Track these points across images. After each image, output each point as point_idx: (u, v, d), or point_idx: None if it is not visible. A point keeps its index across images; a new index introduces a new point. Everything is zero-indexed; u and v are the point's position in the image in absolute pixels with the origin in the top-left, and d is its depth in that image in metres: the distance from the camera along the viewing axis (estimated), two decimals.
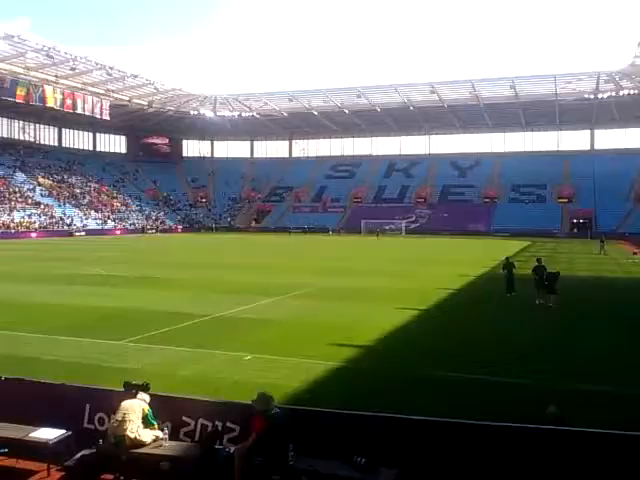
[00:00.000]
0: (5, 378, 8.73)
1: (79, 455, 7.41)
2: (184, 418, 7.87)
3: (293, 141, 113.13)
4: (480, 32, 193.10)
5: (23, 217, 73.89)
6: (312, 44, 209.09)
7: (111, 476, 7.41)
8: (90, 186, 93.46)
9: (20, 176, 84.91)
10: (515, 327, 16.63)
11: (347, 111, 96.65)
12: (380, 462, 6.91)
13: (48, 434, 7.65)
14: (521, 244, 56.91)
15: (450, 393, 10.52)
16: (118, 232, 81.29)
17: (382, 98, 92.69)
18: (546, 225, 78.60)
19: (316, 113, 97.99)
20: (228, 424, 7.58)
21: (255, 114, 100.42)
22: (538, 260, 21.80)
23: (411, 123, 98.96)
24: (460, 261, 38.82)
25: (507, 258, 24.04)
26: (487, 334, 15.54)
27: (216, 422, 7.62)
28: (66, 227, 76.42)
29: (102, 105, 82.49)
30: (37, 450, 7.57)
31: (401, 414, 7.46)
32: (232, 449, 7.13)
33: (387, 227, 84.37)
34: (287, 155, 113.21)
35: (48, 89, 74.65)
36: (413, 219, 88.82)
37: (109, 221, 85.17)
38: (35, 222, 74.33)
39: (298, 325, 16.46)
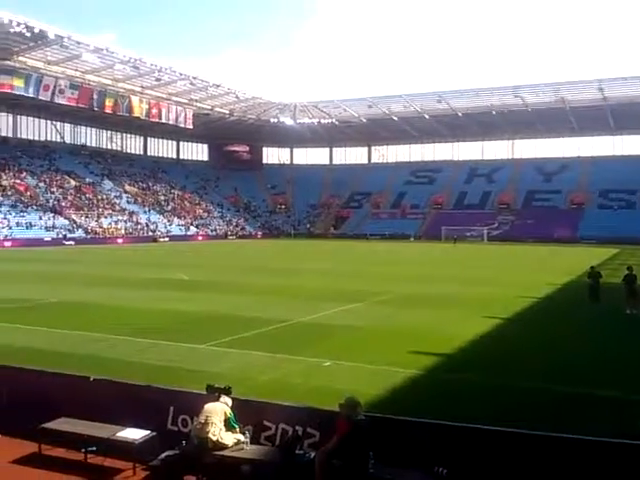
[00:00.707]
0: (94, 379, 9.03)
1: (163, 455, 7.55)
2: (265, 422, 7.91)
3: (372, 147, 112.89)
4: (565, 33, 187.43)
5: (110, 223, 76.91)
6: (391, 50, 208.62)
7: (194, 477, 7.51)
8: (174, 193, 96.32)
9: (108, 184, 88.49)
10: (604, 338, 15.90)
11: (427, 116, 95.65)
12: (462, 474, 6.72)
13: (134, 434, 7.86)
14: (609, 252, 54.53)
15: (537, 406, 10.13)
16: (200, 238, 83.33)
17: (463, 102, 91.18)
18: (636, 232, 74.98)
19: (396, 119, 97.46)
20: (308, 429, 7.56)
21: (334, 121, 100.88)
22: (629, 268, 20.83)
23: (493, 127, 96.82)
24: (544, 269, 37.61)
25: (592, 267, 23.04)
26: (574, 345, 14.93)
27: (296, 427, 7.61)
28: (150, 233, 78.96)
29: (185, 114, 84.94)
30: (123, 449, 7.78)
31: (484, 425, 7.23)
32: (312, 454, 7.10)
33: (468, 234, 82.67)
34: (366, 161, 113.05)
35: (134, 99, 77.54)
36: (495, 226, 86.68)
37: (192, 227, 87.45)
38: (121, 228, 77.20)
39: (378, 332, 16.32)
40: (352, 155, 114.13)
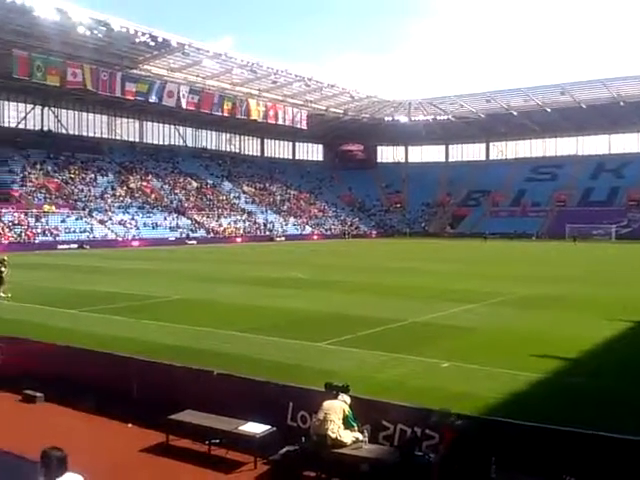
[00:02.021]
0: (217, 373, 9.32)
1: (283, 451, 7.66)
2: (383, 422, 7.84)
3: (490, 143, 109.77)
4: None
5: (229, 223, 79.65)
6: (509, 42, 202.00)
7: (313, 474, 7.56)
8: (289, 193, 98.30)
9: (227, 185, 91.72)
10: None
11: (549, 109, 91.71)
12: None
13: (255, 428, 8.02)
14: None
15: None
16: (315, 237, 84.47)
17: (588, 94, 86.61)
18: None
19: (515, 113, 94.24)
20: (427, 431, 7.41)
21: (450, 117, 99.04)
22: None
23: (622, 119, 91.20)
24: None
25: None
26: None
27: (415, 428, 7.48)
28: (268, 232, 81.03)
29: (301, 115, 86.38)
30: (245, 443, 7.96)
31: (614, 434, 6.80)
32: (431, 456, 6.95)
33: (594, 232, 78.54)
34: (484, 158, 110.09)
35: (252, 102, 79.80)
36: (625, 223, 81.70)
37: (307, 226, 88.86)
38: (240, 227, 79.74)
39: (496, 333, 15.82)
40: (469, 152, 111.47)
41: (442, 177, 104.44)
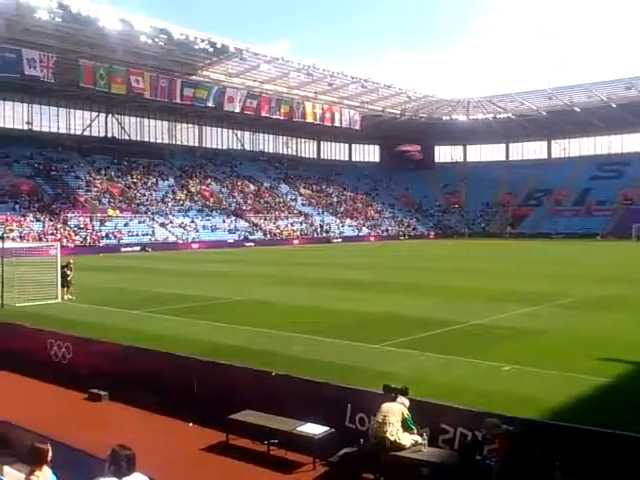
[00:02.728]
0: (275, 374, 9.39)
1: (342, 452, 7.66)
2: (443, 425, 7.77)
3: (552, 141, 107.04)
4: None
5: (287, 225, 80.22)
6: (572, 36, 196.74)
7: (371, 476, 7.53)
8: (346, 195, 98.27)
9: (284, 187, 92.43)
10: None
11: (614, 105, 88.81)
12: None
13: (314, 429, 8.04)
14: None
15: None
16: (372, 238, 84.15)
17: None
18: None
19: (578, 110, 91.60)
20: (488, 435, 7.28)
21: (510, 115, 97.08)
22: None
23: None
24: None
25: None
26: None
27: (476, 432, 7.36)
28: (324, 234, 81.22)
29: (357, 117, 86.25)
30: (303, 444, 8.00)
31: None
32: (492, 461, 6.83)
33: None
34: (545, 156, 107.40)
35: (308, 105, 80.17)
36: None
37: (364, 228, 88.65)
38: (297, 229, 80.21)
39: (561, 336, 15.40)
40: (530, 150, 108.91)
41: (502, 176, 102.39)
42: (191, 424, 9.32)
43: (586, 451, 6.85)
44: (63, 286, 23.22)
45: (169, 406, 9.79)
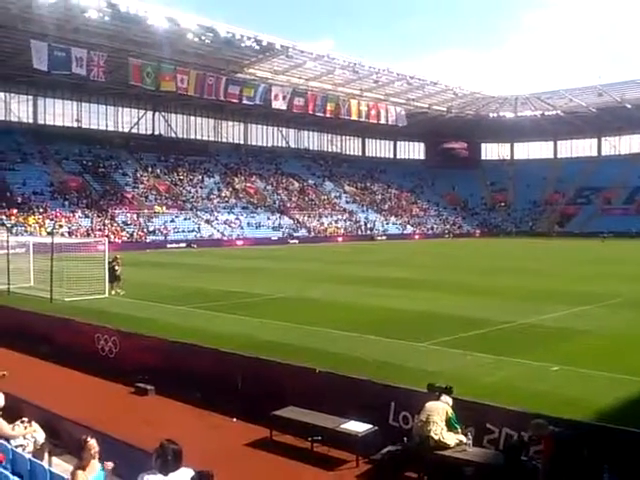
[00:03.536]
0: (319, 371, 9.39)
1: (385, 450, 7.63)
2: (488, 425, 7.68)
3: (602, 138, 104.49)
4: None
5: (331, 222, 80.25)
6: (622, 31, 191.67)
7: (415, 474, 7.48)
8: (390, 192, 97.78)
9: (328, 184, 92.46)
10: None
11: None
12: None
13: (357, 427, 8.02)
14: None
15: None
16: (417, 237, 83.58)
17: None
18: None
19: (629, 106, 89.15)
20: (534, 436, 7.15)
21: (559, 112, 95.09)
22: None
23: None
24: None
25: None
26: None
27: (522, 432, 7.24)
28: (368, 231, 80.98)
29: (402, 114, 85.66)
30: (347, 441, 7.98)
31: None
32: (538, 462, 6.71)
33: None
34: (595, 154, 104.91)
35: (353, 102, 79.96)
36: None
37: (408, 226, 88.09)
38: (341, 227, 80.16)
39: (611, 337, 15.04)
40: (579, 148, 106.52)
41: (550, 174, 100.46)
42: (235, 419, 9.39)
43: (635, 454, 6.66)
44: (111, 281, 23.65)
45: (214, 401, 9.89)
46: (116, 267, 24.01)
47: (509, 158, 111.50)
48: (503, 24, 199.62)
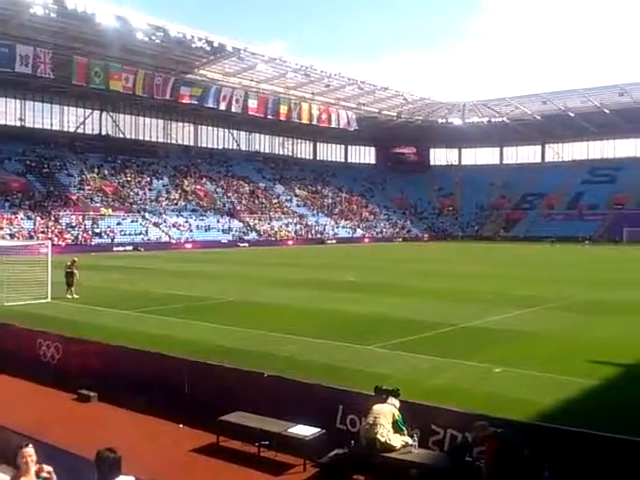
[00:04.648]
0: (267, 375, 9.35)
1: (333, 454, 7.64)
2: (433, 427, 7.77)
3: (546, 145, 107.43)
4: None
5: (281, 226, 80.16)
6: (565, 42, 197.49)
7: (362, 477, 7.51)
8: (341, 196, 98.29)
9: (279, 188, 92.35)
10: None
11: (607, 111, 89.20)
12: None
13: (305, 431, 8.01)
14: None
15: None
16: (366, 240, 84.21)
17: None
18: None
19: (572, 115, 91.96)
20: (478, 437, 7.27)
21: (505, 119, 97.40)
22: None
23: None
24: None
25: None
26: None
27: (466, 433, 7.36)
28: (319, 235, 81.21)
29: (353, 118, 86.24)
30: (294, 445, 7.96)
31: None
32: (482, 463, 6.84)
33: None
34: (539, 160, 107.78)
35: (305, 106, 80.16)
36: None
37: (358, 229, 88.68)
38: (291, 230, 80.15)
39: (552, 339, 15.42)
40: (524, 154, 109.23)
41: (496, 180, 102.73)
42: (181, 425, 9.26)
43: (574, 453, 6.88)
44: (69, 285, 23.20)
45: (160, 407, 9.71)
46: (74, 271, 23.47)
47: (457, 163, 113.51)
48: (451, 30, 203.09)
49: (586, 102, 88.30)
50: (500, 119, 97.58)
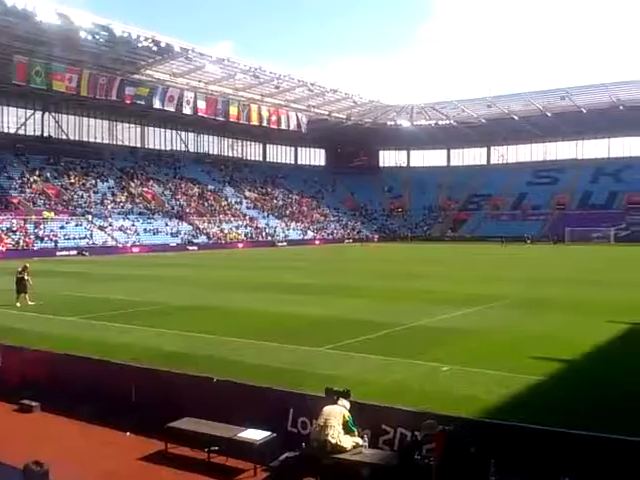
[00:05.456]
0: (216, 380, 9.24)
1: (283, 457, 7.60)
2: (383, 426, 7.82)
3: (491, 148, 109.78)
4: None
5: (231, 228, 79.54)
6: (511, 47, 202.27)
7: (313, 479, 7.49)
8: (292, 198, 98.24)
9: (229, 190, 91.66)
10: None
11: (549, 114, 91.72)
12: None
13: (255, 435, 7.95)
14: None
15: None
16: (317, 242, 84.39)
17: (589, 98, 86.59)
18: None
19: (516, 118, 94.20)
20: (426, 435, 7.36)
21: (452, 122, 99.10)
22: None
23: (621, 123, 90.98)
24: None
25: None
26: None
27: (415, 432, 7.44)
28: (269, 237, 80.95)
29: (303, 120, 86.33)
30: (245, 450, 7.89)
31: (609, 434, 6.86)
32: (431, 460, 6.92)
33: (594, 235, 78.82)
34: (485, 162, 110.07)
35: (254, 107, 79.77)
36: (623, 226, 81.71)
37: (309, 231, 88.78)
38: (242, 233, 79.62)
39: (497, 337, 15.75)
40: (470, 156, 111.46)
41: (444, 181, 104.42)
42: (128, 434, 9.05)
43: (520, 448, 7.02)
44: (20, 292, 22.18)
45: (106, 416, 9.47)
46: (26, 277, 22.56)
47: (406, 165, 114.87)
48: (401, 34, 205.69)
49: (529, 106, 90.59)
50: (447, 122, 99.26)
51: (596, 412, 9.71)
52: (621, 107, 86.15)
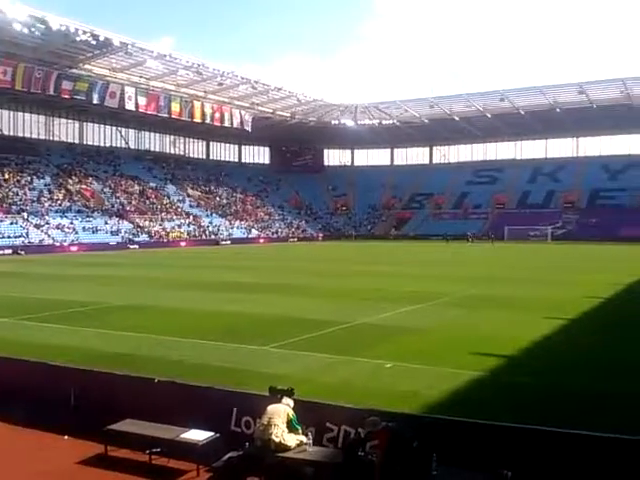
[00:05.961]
0: (158, 380, 9.08)
1: (226, 457, 7.53)
2: (327, 424, 7.83)
3: (433, 147, 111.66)
4: (629, 28, 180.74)
5: (174, 227, 78.41)
6: (453, 48, 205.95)
7: (256, 479, 7.46)
8: (235, 196, 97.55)
9: (171, 188, 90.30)
10: None
11: (489, 115, 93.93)
12: (527, 477, 6.65)
13: (198, 436, 7.85)
14: None
15: (602, 409, 9.71)
16: (262, 240, 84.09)
17: (526, 100, 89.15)
18: None
19: (457, 118, 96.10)
20: (370, 432, 7.42)
21: (395, 122, 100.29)
22: None
23: (557, 125, 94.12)
24: (612, 269, 36.20)
25: None
26: None
27: (359, 429, 7.48)
28: (213, 236, 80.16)
29: (247, 118, 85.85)
30: (187, 450, 7.78)
31: (549, 427, 7.04)
32: (375, 457, 6.97)
33: (532, 233, 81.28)
34: (427, 162, 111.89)
35: (197, 104, 78.85)
36: (560, 225, 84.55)
37: (253, 230, 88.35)
38: (184, 231, 78.59)
39: (441, 333, 16.01)
40: (413, 156, 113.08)
41: (387, 180, 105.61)
42: (66, 437, 8.80)
43: (462, 442, 7.14)
44: None
45: (43, 419, 9.18)
46: None
47: (350, 164, 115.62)
48: (344, 33, 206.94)
49: (470, 107, 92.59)
50: (391, 121, 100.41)
51: (535, 405, 9.97)
52: (558, 109, 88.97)
